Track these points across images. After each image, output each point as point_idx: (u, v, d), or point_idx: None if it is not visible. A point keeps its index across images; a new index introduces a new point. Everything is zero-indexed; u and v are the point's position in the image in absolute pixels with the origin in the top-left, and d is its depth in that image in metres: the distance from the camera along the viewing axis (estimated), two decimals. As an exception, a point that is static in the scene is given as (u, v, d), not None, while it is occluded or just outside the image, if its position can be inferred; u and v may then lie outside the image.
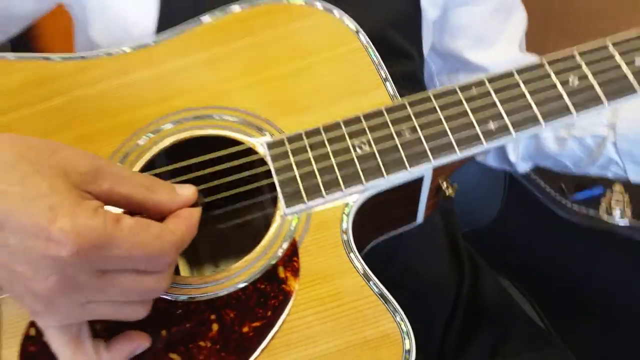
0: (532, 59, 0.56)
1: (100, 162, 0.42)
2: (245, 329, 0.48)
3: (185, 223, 0.44)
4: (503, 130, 0.53)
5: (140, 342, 0.47)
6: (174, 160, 0.55)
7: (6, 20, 0.67)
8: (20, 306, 0.43)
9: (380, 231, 0.59)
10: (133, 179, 0.44)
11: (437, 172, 0.54)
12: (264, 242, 0.51)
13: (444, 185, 0.57)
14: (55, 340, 0.44)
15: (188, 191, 0.46)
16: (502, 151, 0.82)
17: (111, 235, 0.39)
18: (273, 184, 0.52)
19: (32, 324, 0.49)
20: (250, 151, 0.55)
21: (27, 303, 0.41)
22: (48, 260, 0.38)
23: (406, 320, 0.47)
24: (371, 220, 0.55)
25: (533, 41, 0.85)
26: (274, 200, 0.52)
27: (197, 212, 0.45)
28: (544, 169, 0.93)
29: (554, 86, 0.53)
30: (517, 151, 0.78)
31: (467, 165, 0.61)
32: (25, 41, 0.81)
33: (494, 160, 0.85)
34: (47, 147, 0.41)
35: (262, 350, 0.47)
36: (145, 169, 0.54)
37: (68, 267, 0.39)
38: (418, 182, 0.54)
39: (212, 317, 0.48)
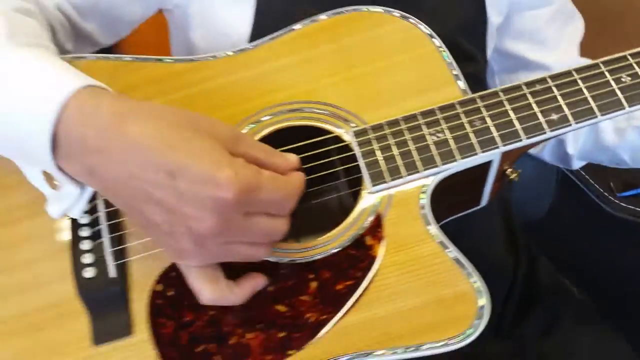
0: (588, 61, 0.63)
1: (236, 130, 0.51)
2: (339, 287, 0.56)
3: (299, 178, 0.53)
4: (564, 120, 0.60)
5: (260, 281, 0.55)
6: (273, 147, 0.64)
7: (118, 25, 0.77)
8: (167, 249, 0.51)
9: (450, 211, 0.67)
10: (259, 145, 0.53)
11: (504, 157, 0.62)
12: (352, 215, 0.59)
13: (509, 170, 0.64)
14: (197, 280, 0.53)
15: (294, 157, 0.55)
16: (559, 147, 0.88)
17: (259, 181, 0.48)
18: (350, 169, 0.60)
19: (159, 281, 0.58)
20: (337, 139, 0.63)
21: (181, 243, 0.48)
22: (213, 202, 0.46)
23: (481, 281, 0.54)
24: (444, 200, 0.62)
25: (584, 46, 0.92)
26: (349, 184, 0.60)
27: (302, 173, 0.54)
28: (593, 167, 0.99)
29: (608, 83, 0.60)
30: (577, 144, 0.84)
31: (523, 160, 0.67)
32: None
33: (550, 156, 0.92)
34: (196, 116, 0.50)
35: (353, 304, 0.55)
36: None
37: (228, 209, 0.47)
38: (486, 165, 0.62)
39: (311, 276, 0.57)
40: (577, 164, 0.91)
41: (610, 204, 1.19)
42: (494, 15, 0.81)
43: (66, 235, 0.61)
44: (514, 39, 0.85)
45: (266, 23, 0.73)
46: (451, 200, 0.65)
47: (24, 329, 0.57)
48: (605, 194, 1.20)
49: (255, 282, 0.56)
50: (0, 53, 0.54)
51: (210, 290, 0.53)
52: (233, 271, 0.54)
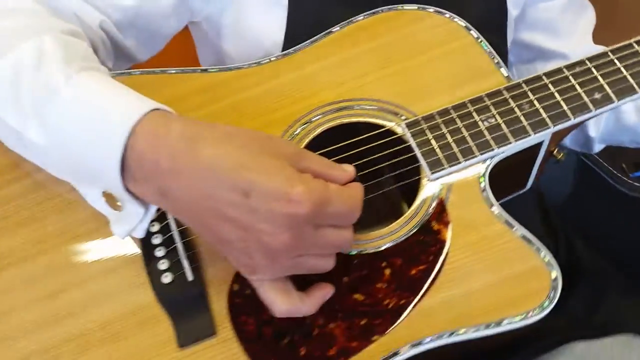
0: (603, 48, 0.66)
1: (297, 146, 0.53)
2: (413, 272, 0.58)
3: (360, 189, 0.54)
4: (607, 99, 0.63)
5: (329, 290, 0.57)
6: (326, 145, 0.66)
7: (155, 39, 0.78)
8: (240, 265, 0.52)
9: (499, 196, 0.69)
10: (319, 159, 0.54)
11: (552, 138, 0.64)
12: (415, 203, 0.61)
13: (555, 151, 0.67)
14: (270, 293, 0.54)
15: (351, 168, 0.56)
16: (580, 131, 0.91)
17: (328, 194, 0.50)
18: (407, 160, 0.63)
19: (235, 281, 0.60)
20: (390, 133, 0.65)
21: (255, 259, 0.50)
22: (287, 218, 0.47)
23: (550, 255, 0.57)
24: (497, 183, 0.65)
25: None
26: (407, 174, 0.62)
27: (360, 184, 0.55)
28: (605, 151, 1.03)
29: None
30: (599, 127, 0.88)
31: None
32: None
33: (571, 141, 0.95)
34: (261, 136, 0.52)
35: (429, 287, 0.57)
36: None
37: (301, 223, 0.48)
38: (537, 147, 0.64)
39: (383, 264, 0.59)
40: (597, 148, 0.94)
41: (624, 185, 1.23)
42: (512, 7, 0.84)
43: (136, 244, 0.61)
44: (530, 30, 0.88)
45: (299, 29, 0.75)
46: (501, 184, 0.67)
47: (106, 339, 0.58)
48: (619, 175, 1.24)
49: (325, 292, 0.57)
50: (62, 80, 0.54)
51: (283, 302, 0.54)
52: (299, 279, 0.56)
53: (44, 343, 0.59)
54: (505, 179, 0.67)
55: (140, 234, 0.56)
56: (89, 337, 0.58)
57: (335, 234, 0.52)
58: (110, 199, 0.56)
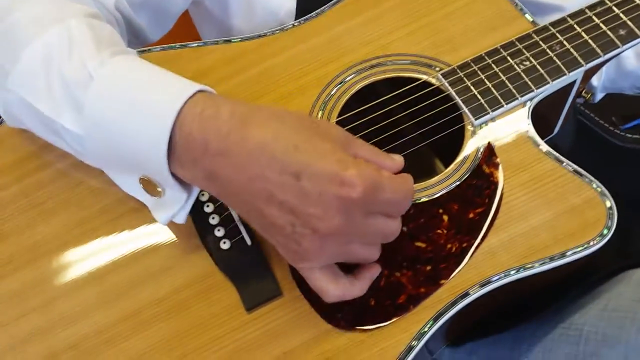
0: None
1: (346, 132, 0.51)
2: (471, 215, 0.59)
3: (410, 179, 0.52)
4: (632, 34, 0.65)
5: (376, 270, 0.56)
6: (364, 103, 0.66)
7: (166, 18, 0.76)
8: (287, 252, 0.51)
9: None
10: (369, 146, 0.53)
11: (584, 76, 0.66)
12: (463, 150, 0.62)
13: (584, 92, 0.69)
14: (320, 280, 0.52)
15: (400, 159, 0.55)
16: None
17: (381, 180, 0.48)
18: (447, 109, 0.63)
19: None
20: (426, 85, 0.66)
21: (303, 244, 0.48)
22: (338, 202, 0.46)
23: (602, 187, 0.58)
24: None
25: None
26: (449, 123, 0.63)
27: (410, 176, 0.53)
28: (595, 106, 1.05)
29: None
30: (600, 75, 0.90)
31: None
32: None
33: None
34: (312, 119, 0.51)
35: (489, 227, 0.58)
36: (342, 112, 0.65)
37: (352, 208, 0.46)
38: (569, 86, 0.66)
39: (440, 211, 0.59)
40: (598, 96, 0.96)
41: (617, 137, 1.26)
42: None
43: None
44: None
45: None
46: (537, 128, 0.68)
47: (169, 311, 0.57)
48: (611, 128, 1.27)
49: (372, 272, 0.56)
50: (96, 66, 0.52)
51: (334, 288, 0.53)
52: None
53: (96, 325, 0.57)
54: (537, 123, 0.68)
55: (181, 220, 0.55)
56: (145, 314, 0.57)
57: (385, 223, 0.50)
58: (147, 185, 0.54)
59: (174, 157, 0.50)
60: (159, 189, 0.54)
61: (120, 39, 0.61)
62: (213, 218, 0.59)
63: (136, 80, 0.52)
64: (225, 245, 0.58)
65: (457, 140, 0.63)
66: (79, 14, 0.58)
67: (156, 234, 0.60)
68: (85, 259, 0.60)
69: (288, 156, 0.46)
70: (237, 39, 0.71)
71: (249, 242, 0.58)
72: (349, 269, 0.55)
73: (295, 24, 0.71)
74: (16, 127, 0.64)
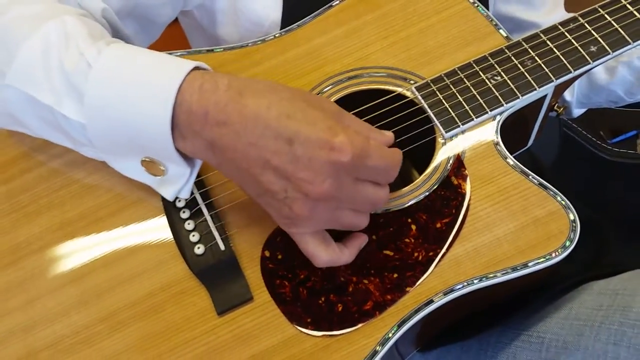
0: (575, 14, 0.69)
1: (338, 106, 0.54)
2: (438, 225, 0.60)
3: (398, 151, 0.55)
4: (602, 51, 0.67)
5: (364, 238, 0.59)
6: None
7: (153, 27, 0.78)
8: (280, 217, 0.54)
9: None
10: (360, 120, 0.56)
11: (555, 91, 0.68)
12: (433, 161, 0.64)
13: (556, 106, 0.70)
14: (311, 244, 0.55)
15: (390, 134, 0.58)
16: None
17: (368, 147, 0.51)
18: (419, 121, 0.65)
19: (265, 248, 0.61)
20: (400, 97, 0.68)
21: (294, 209, 0.51)
22: (328, 166, 0.49)
23: (566, 200, 0.60)
24: (503, 139, 0.68)
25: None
26: (420, 135, 0.65)
27: (399, 150, 0.56)
28: (583, 120, 1.07)
29: (632, 13, 0.67)
30: (573, 91, 0.91)
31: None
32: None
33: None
34: (305, 91, 0.53)
35: (455, 237, 0.60)
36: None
37: (341, 172, 0.50)
38: (540, 101, 0.68)
39: (409, 220, 0.61)
40: (576, 112, 0.98)
41: (605, 151, 1.28)
42: None
43: (162, 220, 0.62)
44: (506, 3, 0.92)
45: (296, 6, 0.76)
46: (507, 141, 0.70)
47: (144, 313, 0.59)
48: (599, 142, 1.29)
49: (361, 240, 0.59)
50: (94, 54, 0.55)
51: (324, 253, 0.56)
52: (333, 234, 0.57)
53: (74, 326, 0.59)
54: (510, 136, 0.70)
55: (186, 194, 0.58)
56: (121, 315, 0.59)
57: (373, 190, 0.53)
58: (149, 166, 0.56)
59: (176, 132, 0.53)
60: (162, 168, 0.57)
61: (107, 35, 0.63)
62: (188, 224, 0.61)
63: (133, 64, 0.55)
64: (199, 250, 0.60)
65: (429, 152, 0.65)
66: (71, 12, 0.61)
67: (134, 237, 0.62)
68: (65, 260, 0.62)
69: (281, 124, 0.49)
70: (219, 49, 0.73)
71: (222, 247, 0.60)
72: (338, 238, 0.57)
73: (277, 35, 0.73)
74: (4, 130, 0.65)
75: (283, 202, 0.52)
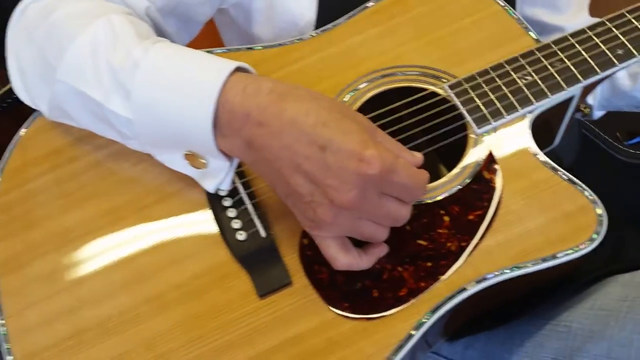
0: (599, 19, 0.71)
1: (372, 123, 0.57)
2: (471, 217, 0.63)
3: (426, 174, 0.58)
4: (629, 54, 0.69)
5: (384, 249, 0.61)
6: (375, 110, 0.71)
7: (192, 25, 0.81)
8: (304, 219, 0.57)
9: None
10: (392, 140, 0.58)
11: (582, 91, 0.70)
12: (466, 156, 0.66)
13: (582, 106, 0.73)
14: (331, 248, 0.58)
15: (420, 155, 0.60)
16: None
17: (397, 163, 0.53)
18: (452, 118, 0.68)
19: (304, 236, 0.64)
20: (433, 95, 0.70)
21: (318, 214, 0.54)
22: (356, 177, 0.51)
23: (594, 195, 0.62)
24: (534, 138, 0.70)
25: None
26: (453, 131, 0.68)
27: (426, 172, 0.58)
28: (599, 122, 1.09)
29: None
30: (596, 94, 0.94)
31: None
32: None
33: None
34: (342, 104, 0.56)
35: (487, 229, 0.62)
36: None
37: (368, 185, 0.52)
38: (568, 101, 0.70)
39: (442, 212, 0.64)
40: (597, 115, 1.00)
41: (621, 152, 1.31)
42: None
43: (205, 208, 0.65)
44: (532, 5, 0.94)
45: (330, 7, 0.79)
46: (535, 139, 0.72)
47: (188, 294, 0.62)
48: (615, 143, 1.32)
49: (380, 250, 0.61)
50: (140, 52, 0.58)
51: (343, 258, 0.58)
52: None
53: (121, 306, 0.62)
54: (538, 134, 0.73)
55: (227, 186, 0.61)
56: (167, 297, 0.62)
57: (396, 207, 0.56)
58: (192, 159, 0.59)
59: (217, 130, 0.55)
60: (203, 161, 0.60)
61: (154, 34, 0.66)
62: (231, 211, 0.64)
63: (178, 63, 0.58)
64: (241, 236, 0.63)
65: (460, 147, 0.68)
66: (118, 11, 0.64)
67: (179, 224, 0.65)
68: (112, 245, 0.65)
69: (317, 130, 0.52)
70: (258, 47, 0.76)
71: (263, 234, 0.63)
72: (359, 245, 0.60)
73: (313, 35, 0.76)
74: (55, 121, 0.69)
75: (308, 205, 0.54)
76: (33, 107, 0.70)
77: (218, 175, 0.60)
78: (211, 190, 0.61)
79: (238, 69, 0.56)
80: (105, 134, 0.64)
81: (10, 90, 1.38)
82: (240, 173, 0.66)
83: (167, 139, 0.59)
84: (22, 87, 0.66)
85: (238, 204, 0.64)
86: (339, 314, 0.59)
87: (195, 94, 0.55)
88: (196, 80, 0.56)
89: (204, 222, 0.65)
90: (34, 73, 0.64)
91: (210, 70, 0.55)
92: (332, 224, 0.54)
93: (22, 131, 0.72)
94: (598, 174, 1.30)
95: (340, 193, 0.52)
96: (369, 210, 0.54)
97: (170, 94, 0.56)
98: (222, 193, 0.65)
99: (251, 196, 0.65)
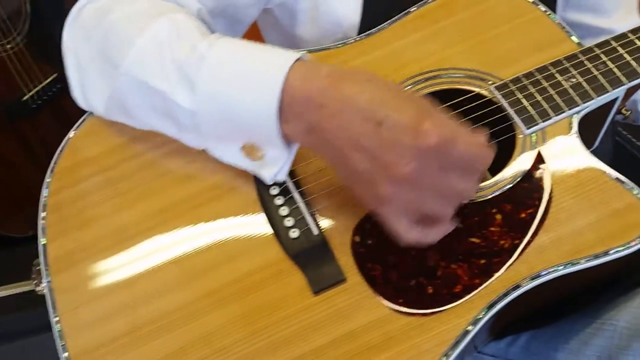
0: None
1: (429, 102, 0.57)
2: (522, 215, 0.64)
3: (490, 148, 0.56)
4: (672, 57, 0.71)
5: (451, 225, 0.61)
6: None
7: (239, 26, 0.83)
8: (367, 196, 0.57)
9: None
10: (448, 117, 0.57)
11: (625, 94, 0.71)
12: (515, 156, 0.67)
13: (623, 109, 0.74)
14: (397, 224, 0.57)
15: (482, 135, 0.58)
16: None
17: (456, 135, 0.54)
18: (499, 119, 0.69)
19: (355, 233, 0.65)
20: (479, 97, 0.72)
21: (379, 189, 0.54)
22: (413, 150, 0.52)
23: None
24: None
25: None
26: (501, 132, 0.69)
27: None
28: (634, 127, 1.10)
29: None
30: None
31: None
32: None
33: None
34: (399, 86, 0.58)
35: (539, 226, 0.63)
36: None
37: (426, 156, 0.52)
38: (611, 103, 0.71)
39: (494, 210, 0.65)
40: None
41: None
42: None
43: (257, 206, 0.66)
44: (577, 10, 0.95)
45: (374, 10, 0.81)
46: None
47: (245, 290, 0.63)
48: (646, 149, 1.32)
49: (446, 226, 0.61)
50: (205, 46, 0.60)
51: (409, 232, 0.58)
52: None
53: (177, 302, 0.63)
54: (582, 135, 0.74)
55: (282, 176, 0.62)
56: (223, 292, 0.63)
57: (459, 181, 0.55)
58: (249, 151, 0.60)
59: (281, 116, 0.57)
60: (260, 153, 0.61)
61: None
62: (283, 209, 0.65)
63: (242, 56, 0.60)
64: (294, 234, 0.64)
65: (507, 148, 0.69)
66: (178, 11, 0.65)
67: (232, 222, 0.66)
68: (167, 242, 0.66)
69: (372, 107, 0.53)
70: (303, 51, 0.77)
71: (315, 231, 0.64)
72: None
73: (357, 39, 0.77)
74: (105, 121, 0.70)
75: (369, 182, 0.55)
76: (85, 108, 0.71)
77: (275, 166, 0.61)
78: (268, 181, 0.62)
79: (298, 59, 0.58)
80: (163, 129, 0.65)
81: (51, 84, 1.40)
82: (291, 173, 0.67)
83: (229, 129, 0.61)
84: (79, 86, 0.68)
85: (290, 202, 0.65)
86: (394, 310, 0.60)
87: (259, 85, 0.57)
88: (260, 72, 0.57)
89: (256, 220, 0.66)
90: (94, 70, 0.65)
91: (275, 60, 0.57)
92: (394, 199, 0.55)
93: (72, 133, 0.73)
94: (630, 179, 1.31)
95: (398, 167, 0.52)
96: (430, 184, 0.54)
97: (236, 83, 0.58)
98: (273, 191, 0.66)
99: (302, 195, 0.66)
